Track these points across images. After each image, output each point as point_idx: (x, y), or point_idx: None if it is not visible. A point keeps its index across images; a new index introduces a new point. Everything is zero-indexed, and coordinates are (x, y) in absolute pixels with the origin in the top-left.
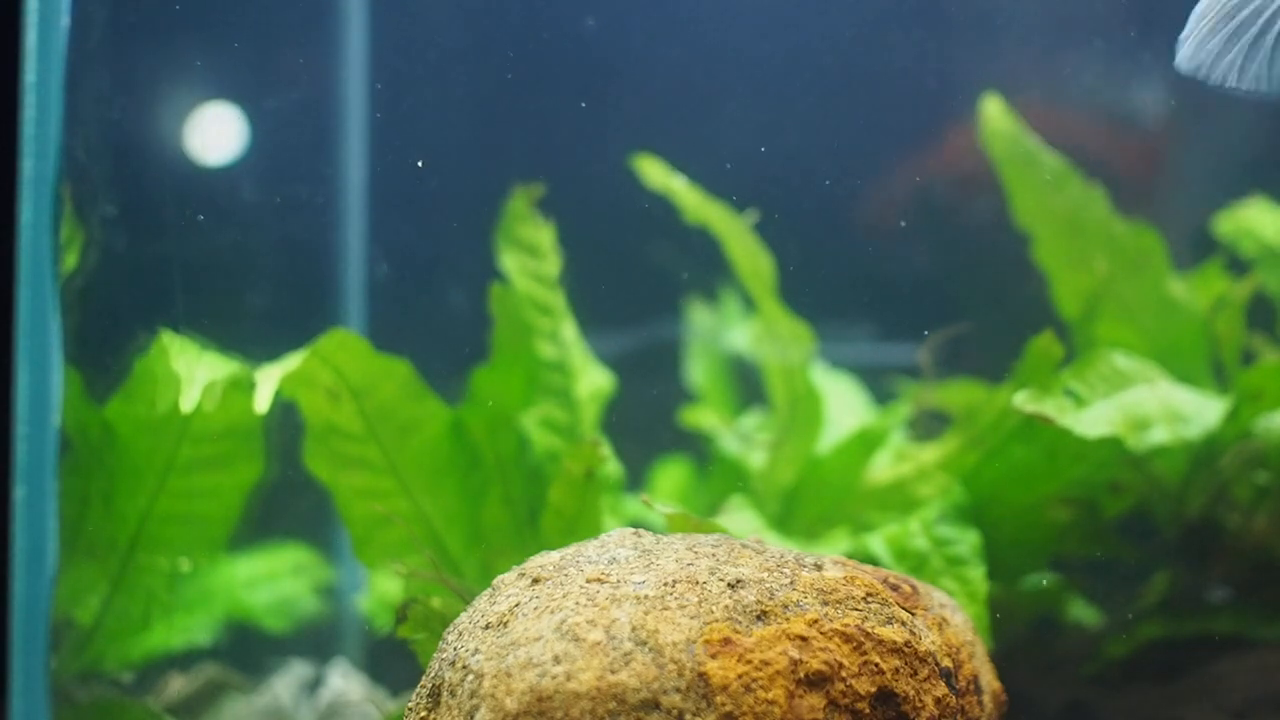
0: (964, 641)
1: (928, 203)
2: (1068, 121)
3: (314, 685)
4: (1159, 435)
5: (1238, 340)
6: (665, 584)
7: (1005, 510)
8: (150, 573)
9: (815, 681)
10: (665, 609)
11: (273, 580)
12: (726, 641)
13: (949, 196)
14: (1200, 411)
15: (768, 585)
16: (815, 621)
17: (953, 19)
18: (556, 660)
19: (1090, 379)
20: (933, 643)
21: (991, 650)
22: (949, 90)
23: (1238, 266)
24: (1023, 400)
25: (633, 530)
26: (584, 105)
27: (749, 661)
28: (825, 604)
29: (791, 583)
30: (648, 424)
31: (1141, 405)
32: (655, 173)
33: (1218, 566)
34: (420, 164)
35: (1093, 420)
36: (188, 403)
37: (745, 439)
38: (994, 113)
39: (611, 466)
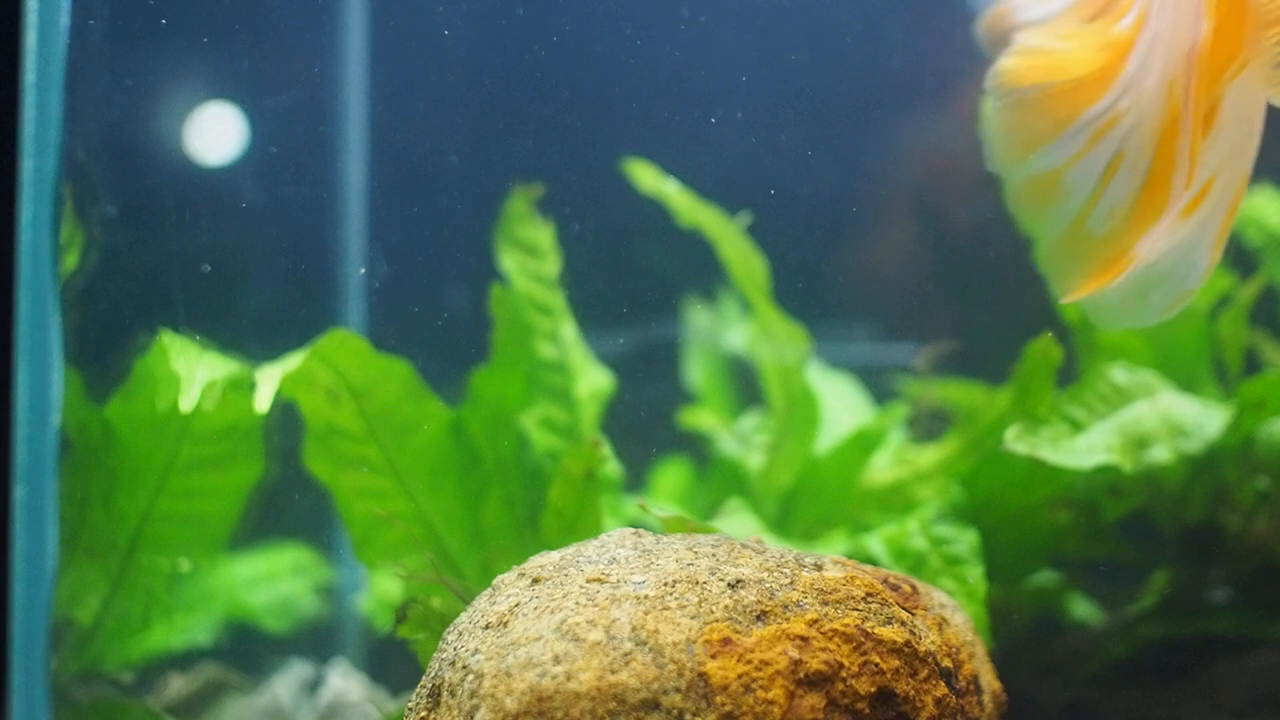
0: (964, 641)
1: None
2: None
3: (314, 685)
4: (1159, 454)
5: (1240, 341)
6: (665, 584)
7: (1005, 512)
8: (150, 573)
9: (815, 681)
10: (665, 609)
11: (273, 580)
12: (726, 641)
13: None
14: (1201, 423)
15: (768, 585)
16: (815, 621)
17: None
18: (556, 660)
19: (1088, 400)
20: (933, 643)
21: (991, 650)
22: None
23: (1240, 262)
24: (1013, 438)
25: (633, 530)
26: (584, 106)
27: (749, 661)
28: (825, 604)
29: (791, 583)
30: (648, 424)
31: (1140, 422)
32: (647, 177)
33: (1218, 568)
34: (419, 222)
35: (1087, 448)
36: (188, 403)
37: (744, 440)
38: None
39: (611, 467)
